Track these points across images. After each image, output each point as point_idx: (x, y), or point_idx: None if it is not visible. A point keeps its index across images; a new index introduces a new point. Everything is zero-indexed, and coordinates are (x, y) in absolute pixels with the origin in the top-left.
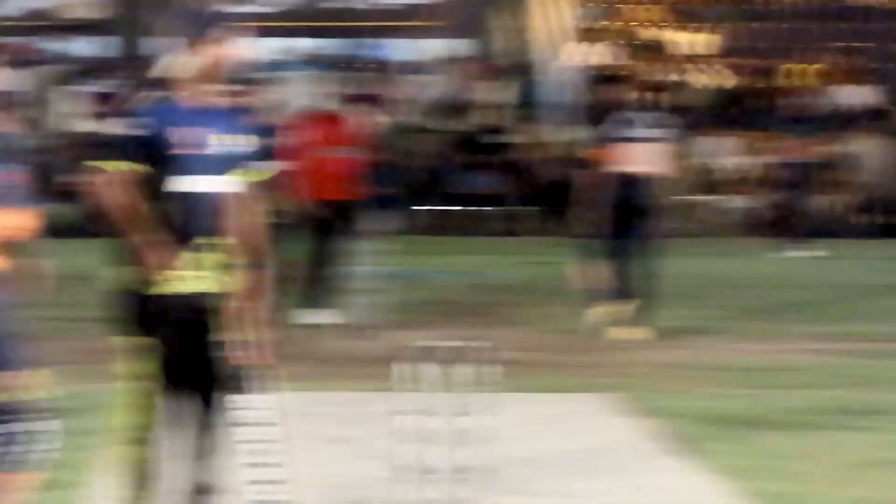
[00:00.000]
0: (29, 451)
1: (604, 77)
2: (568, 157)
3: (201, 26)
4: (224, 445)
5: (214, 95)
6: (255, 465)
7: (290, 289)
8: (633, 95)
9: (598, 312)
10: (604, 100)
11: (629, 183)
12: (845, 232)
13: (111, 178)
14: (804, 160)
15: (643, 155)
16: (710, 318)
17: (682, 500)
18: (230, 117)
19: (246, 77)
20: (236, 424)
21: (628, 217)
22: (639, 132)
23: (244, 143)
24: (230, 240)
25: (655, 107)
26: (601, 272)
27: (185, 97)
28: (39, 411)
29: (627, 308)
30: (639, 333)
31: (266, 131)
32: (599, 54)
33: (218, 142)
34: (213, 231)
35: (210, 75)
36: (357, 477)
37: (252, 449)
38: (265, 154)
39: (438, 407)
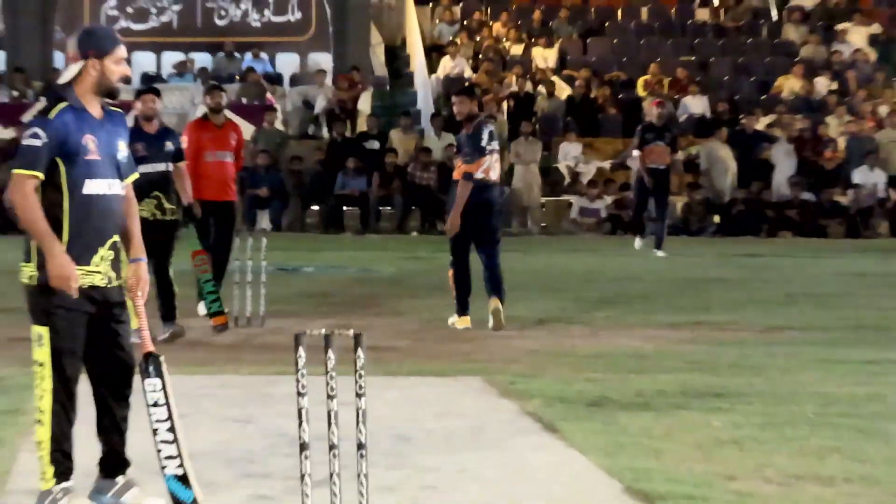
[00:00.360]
0: None
1: (457, 90)
2: (439, 161)
3: (94, 42)
4: (127, 422)
5: (107, 105)
6: (159, 441)
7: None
8: (482, 107)
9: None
10: (457, 111)
11: (483, 188)
12: (690, 230)
13: (24, 182)
14: (655, 165)
15: (493, 163)
16: (568, 309)
17: (547, 473)
18: (122, 125)
19: (143, 87)
20: (146, 404)
21: (483, 219)
22: (489, 143)
23: (127, 148)
24: (120, 237)
25: (510, 117)
26: (457, 275)
27: (85, 107)
28: None
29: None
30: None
31: (164, 136)
32: (457, 67)
33: (120, 148)
34: (114, 230)
35: (101, 87)
36: (253, 452)
37: (156, 427)
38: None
39: (319, 388)
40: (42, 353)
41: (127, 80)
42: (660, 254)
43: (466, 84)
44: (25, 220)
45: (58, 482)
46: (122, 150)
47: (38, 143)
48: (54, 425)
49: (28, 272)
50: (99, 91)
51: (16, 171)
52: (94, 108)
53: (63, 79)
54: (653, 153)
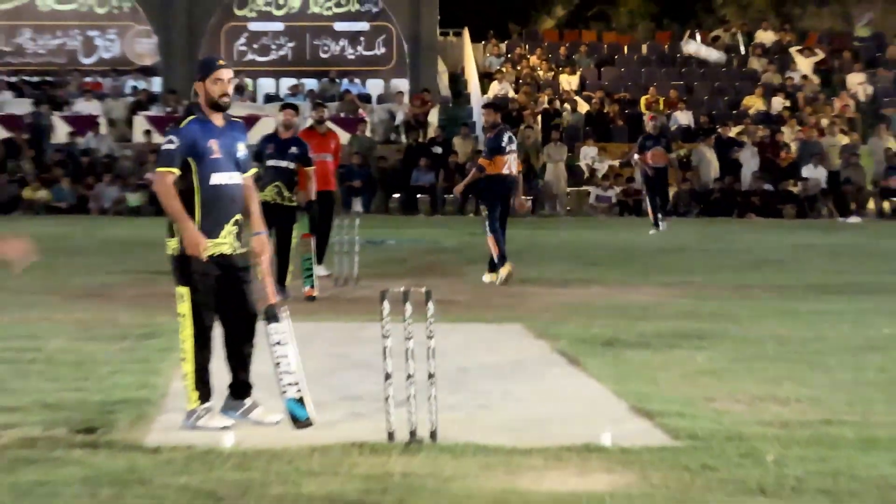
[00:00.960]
0: None
1: (485, 104)
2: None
3: (199, 68)
4: (251, 357)
5: (229, 116)
6: (281, 371)
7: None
8: (509, 118)
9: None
10: (484, 120)
11: (506, 179)
12: (679, 212)
13: (164, 177)
14: (656, 164)
15: (512, 161)
16: (587, 272)
17: (571, 395)
18: (241, 131)
19: (284, 103)
20: (268, 344)
21: (506, 201)
22: (508, 145)
23: (246, 149)
24: (242, 215)
25: (543, 127)
26: (493, 241)
27: (208, 118)
28: None
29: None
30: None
31: (292, 143)
32: (503, 90)
33: (239, 149)
34: (237, 210)
35: (209, 102)
36: (349, 380)
37: (278, 360)
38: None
39: (398, 332)
40: (184, 307)
41: (225, 97)
42: (660, 227)
43: (495, 101)
44: (165, 205)
45: (200, 403)
46: (241, 151)
47: (172, 147)
48: (195, 362)
49: (172, 245)
50: (209, 105)
51: (157, 169)
52: (216, 119)
53: (194, 98)
54: (654, 155)
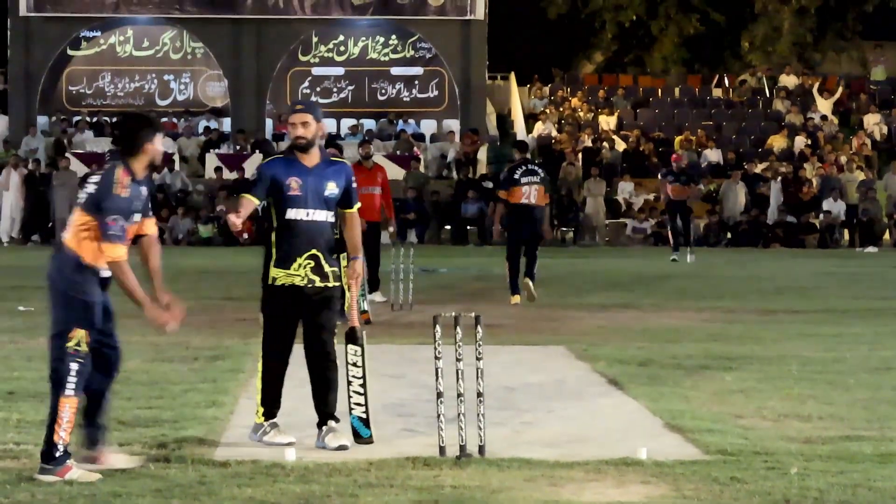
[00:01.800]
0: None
1: (515, 142)
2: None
3: (288, 113)
4: (334, 383)
5: (328, 156)
6: (352, 390)
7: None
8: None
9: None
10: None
11: (525, 208)
12: (709, 243)
13: (245, 209)
14: (677, 198)
15: (531, 192)
16: (624, 298)
17: (609, 413)
18: (339, 171)
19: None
20: (345, 363)
21: (527, 230)
22: (523, 177)
23: (336, 187)
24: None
25: (583, 164)
26: (510, 267)
27: (297, 157)
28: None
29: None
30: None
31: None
32: (546, 129)
33: (328, 188)
34: (312, 246)
35: (296, 144)
36: (403, 398)
37: (351, 380)
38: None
39: (450, 353)
40: (261, 331)
41: (300, 139)
42: (688, 259)
43: (521, 140)
44: (240, 233)
45: (265, 419)
46: (331, 189)
47: (253, 179)
48: (263, 380)
49: (263, 271)
50: (292, 145)
51: (243, 199)
52: (306, 158)
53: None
54: (673, 190)
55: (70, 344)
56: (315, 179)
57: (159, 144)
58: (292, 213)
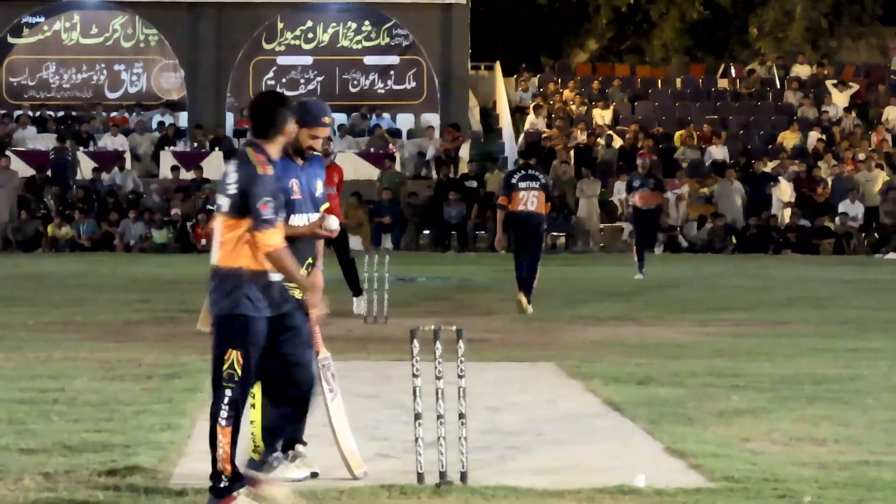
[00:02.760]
0: None
1: (529, 146)
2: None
3: (314, 122)
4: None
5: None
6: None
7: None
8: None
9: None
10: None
11: (524, 215)
12: (714, 249)
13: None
14: (644, 206)
15: (529, 198)
16: (620, 309)
17: (604, 436)
18: (321, 166)
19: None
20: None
21: (525, 237)
22: (520, 182)
23: (321, 186)
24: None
25: (576, 162)
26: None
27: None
28: None
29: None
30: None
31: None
32: (536, 125)
33: (318, 186)
34: (310, 254)
35: (306, 154)
36: (378, 420)
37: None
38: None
39: (429, 371)
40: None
41: (312, 150)
42: (639, 275)
43: (528, 145)
44: None
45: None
46: (319, 188)
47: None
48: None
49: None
50: (293, 150)
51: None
52: (298, 158)
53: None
54: (643, 197)
55: (224, 367)
56: (307, 179)
57: (293, 126)
58: (296, 220)
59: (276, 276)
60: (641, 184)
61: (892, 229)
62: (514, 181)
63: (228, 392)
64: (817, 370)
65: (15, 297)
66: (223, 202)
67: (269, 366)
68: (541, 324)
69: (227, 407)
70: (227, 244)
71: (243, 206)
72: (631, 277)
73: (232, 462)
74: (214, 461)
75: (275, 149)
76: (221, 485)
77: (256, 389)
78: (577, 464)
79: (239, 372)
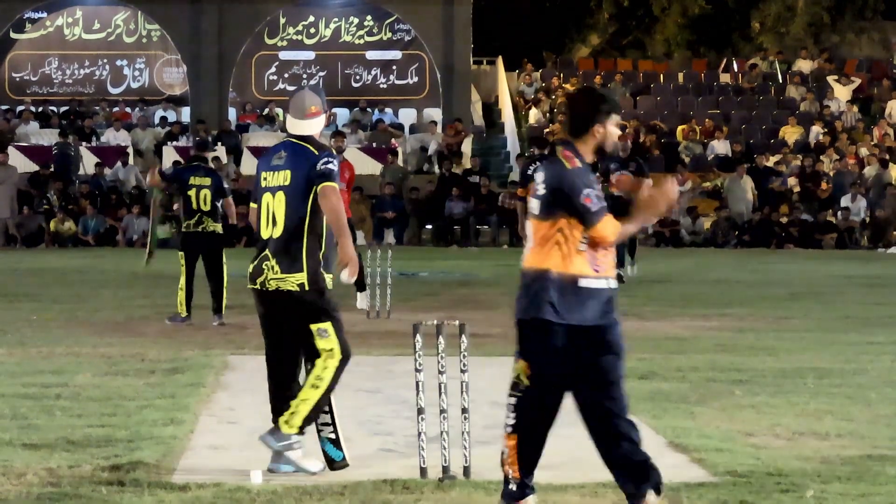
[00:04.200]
0: None
1: (535, 138)
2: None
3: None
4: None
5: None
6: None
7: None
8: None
9: None
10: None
11: None
12: (717, 243)
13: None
14: (621, 193)
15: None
16: (623, 303)
17: None
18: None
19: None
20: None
21: None
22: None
23: None
24: None
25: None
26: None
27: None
28: None
29: None
30: None
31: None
32: (536, 116)
33: None
34: None
35: None
36: (380, 415)
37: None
38: None
39: (431, 366)
40: (332, 341)
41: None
42: (631, 271)
43: (538, 135)
44: (343, 219)
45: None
46: None
47: (336, 167)
48: (329, 391)
49: (327, 279)
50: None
51: (331, 184)
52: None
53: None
54: (620, 181)
55: (512, 375)
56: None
57: (613, 128)
58: None
59: (589, 283)
60: (619, 168)
61: (885, 223)
62: (530, 172)
63: (512, 399)
64: (820, 364)
65: (18, 292)
66: (533, 204)
67: (574, 379)
68: None
69: (511, 414)
70: (536, 246)
71: (553, 205)
72: (632, 271)
73: (521, 468)
74: (502, 462)
75: (587, 149)
76: (510, 486)
77: (331, 372)
78: (580, 458)
79: (525, 381)
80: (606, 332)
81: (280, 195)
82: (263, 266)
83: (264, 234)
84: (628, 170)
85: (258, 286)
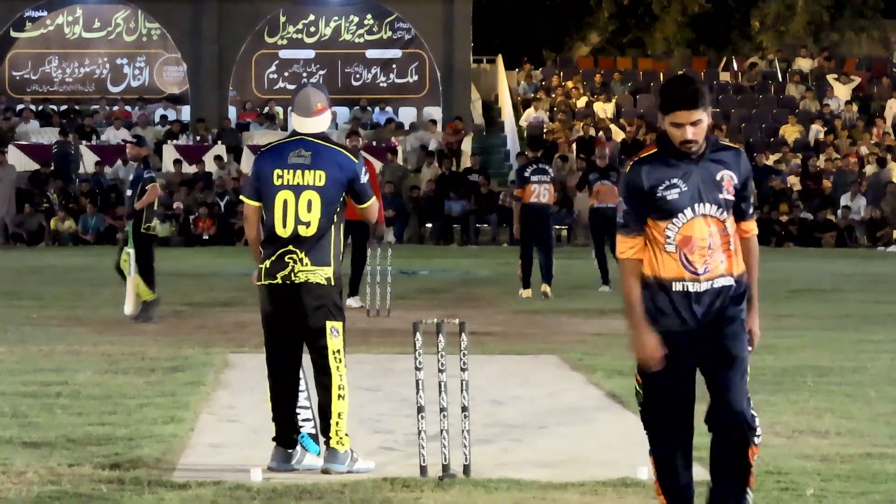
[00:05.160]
0: None
1: (533, 137)
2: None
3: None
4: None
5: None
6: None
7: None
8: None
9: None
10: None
11: (535, 207)
12: None
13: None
14: (602, 204)
15: (541, 191)
16: (622, 302)
17: (607, 428)
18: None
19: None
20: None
21: (537, 228)
22: (532, 175)
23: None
24: None
25: (577, 155)
26: (522, 264)
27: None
28: None
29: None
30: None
31: None
32: (538, 117)
33: None
34: None
35: None
36: (380, 413)
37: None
38: None
39: (431, 364)
40: (340, 341)
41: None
42: (605, 288)
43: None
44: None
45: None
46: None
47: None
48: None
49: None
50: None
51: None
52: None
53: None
54: (601, 192)
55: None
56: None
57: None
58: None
59: (683, 286)
60: (599, 178)
61: (885, 222)
62: (526, 174)
63: (640, 411)
64: (819, 363)
65: (18, 291)
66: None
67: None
68: (543, 317)
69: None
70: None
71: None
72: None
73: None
74: None
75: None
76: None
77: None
78: (580, 456)
79: (641, 391)
80: (720, 336)
81: (312, 194)
82: (287, 259)
83: (282, 232)
84: (609, 180)
85: (279, 280)
